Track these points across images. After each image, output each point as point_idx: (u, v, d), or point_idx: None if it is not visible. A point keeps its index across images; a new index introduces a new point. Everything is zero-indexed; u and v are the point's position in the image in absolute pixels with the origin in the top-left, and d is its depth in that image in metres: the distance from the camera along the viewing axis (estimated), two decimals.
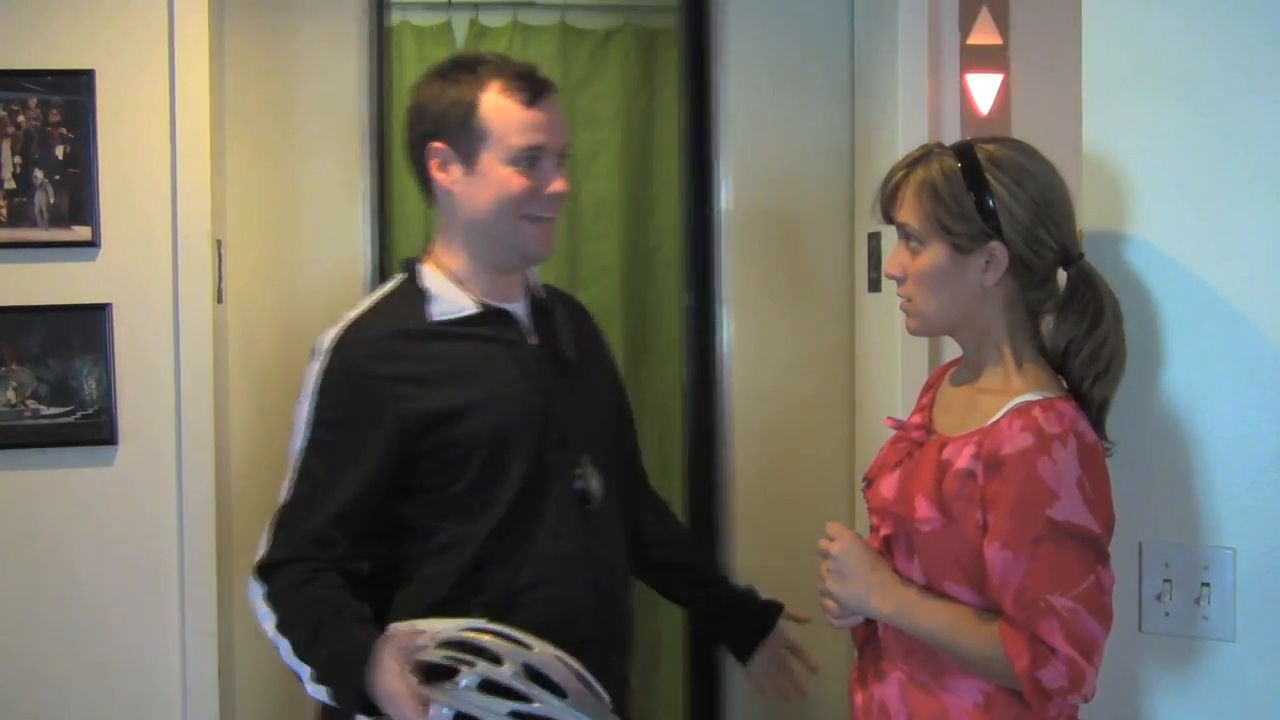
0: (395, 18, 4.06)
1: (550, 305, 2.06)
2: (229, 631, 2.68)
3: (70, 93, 2.50)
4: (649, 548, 2.20)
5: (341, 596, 1.84)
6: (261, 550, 1.88)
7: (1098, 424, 1.62)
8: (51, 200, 2.51)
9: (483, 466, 1.88)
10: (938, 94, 2.72)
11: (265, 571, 1.86)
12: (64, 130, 2.50)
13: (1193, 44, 1.69)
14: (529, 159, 1.89)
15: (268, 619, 1.87)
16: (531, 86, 1.91)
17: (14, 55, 2.51)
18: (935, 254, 1.64)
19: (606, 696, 1.74)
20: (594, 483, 1.97)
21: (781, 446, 3.02)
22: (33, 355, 2.51)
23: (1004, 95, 3.03)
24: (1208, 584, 1.67)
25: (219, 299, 2.64)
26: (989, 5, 2.97)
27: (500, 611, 1.81)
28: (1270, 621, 1.64)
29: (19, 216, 2.50)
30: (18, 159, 2.50)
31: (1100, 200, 1.75)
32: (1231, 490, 1.66)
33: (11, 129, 2.49)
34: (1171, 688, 1.71)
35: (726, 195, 3.02)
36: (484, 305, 1.95)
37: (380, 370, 1.87)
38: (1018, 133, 2.89)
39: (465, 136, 1.89)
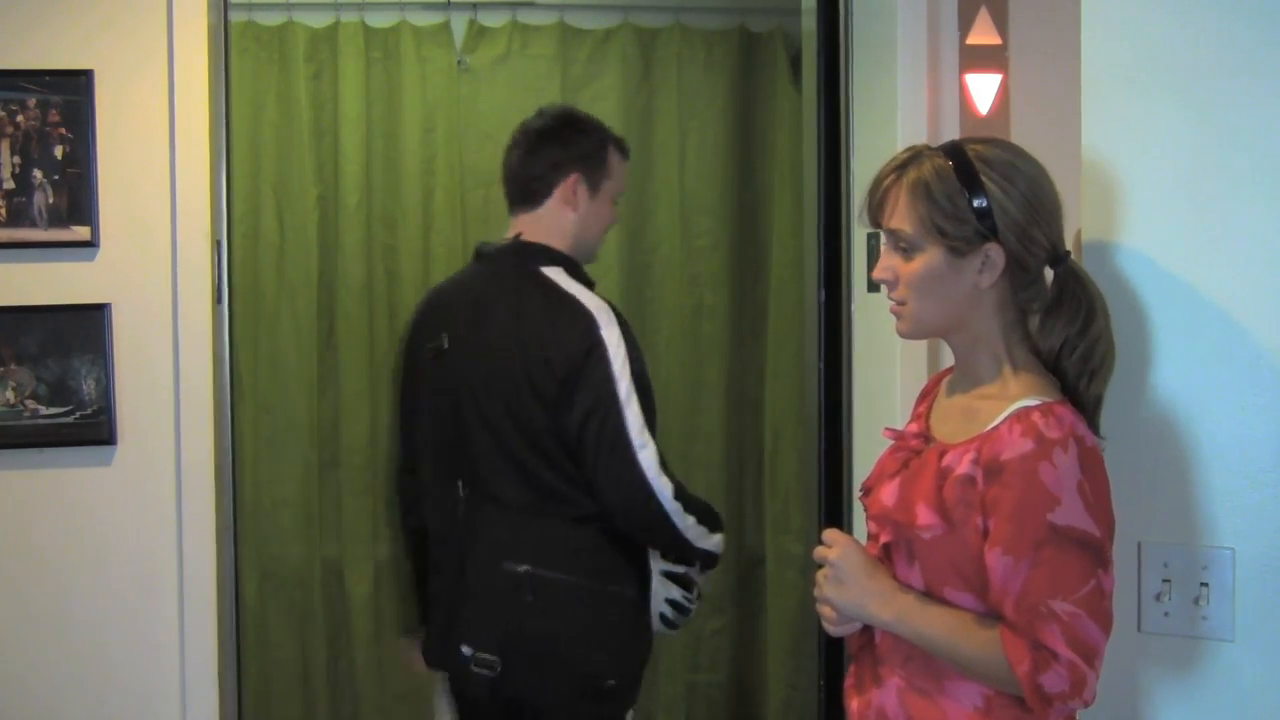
0: (394, 18, 4.07)
1: None
2: (228, 630, 2.68)
3: (70, 93, 2.50)
4: None
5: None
6: (667, 472, 2.48)
7: (1092, 421, 1.61)
8: (51, 200, 2.51)
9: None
10: (937, 94, 2.72)
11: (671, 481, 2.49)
12: (63, 130, 2.51)
13: (1192, 44, 1.69)
14: (617, 199, 2.66)
15: (685, 515, 2.50)
16: (625, 149, 2.67)
17: (13, 55, 2.51)
18: (930, 258, 1.62)
19: None
20: None
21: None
22: (32, 355, 2.51)
23: (1003, 95, 3.03)
24: (1207, 584, 1.67)
25: (218, 299, 2.64)
26: (988, 5, 2.97)
27: None
28: (1269, 621, 1.65)
29: (18, 216, 2.50)
30: (17, 159, 2.50)
31: (1099, 200, 1.76)
32: (1230, 490, 1.66)
33: (11, 129, 2.49)
34: (1170, 688, 1.71)
35: (860, 192, 2.96)
36: None
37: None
38: (1017, 133, 2.89)
39: (598, 172, 2.60)
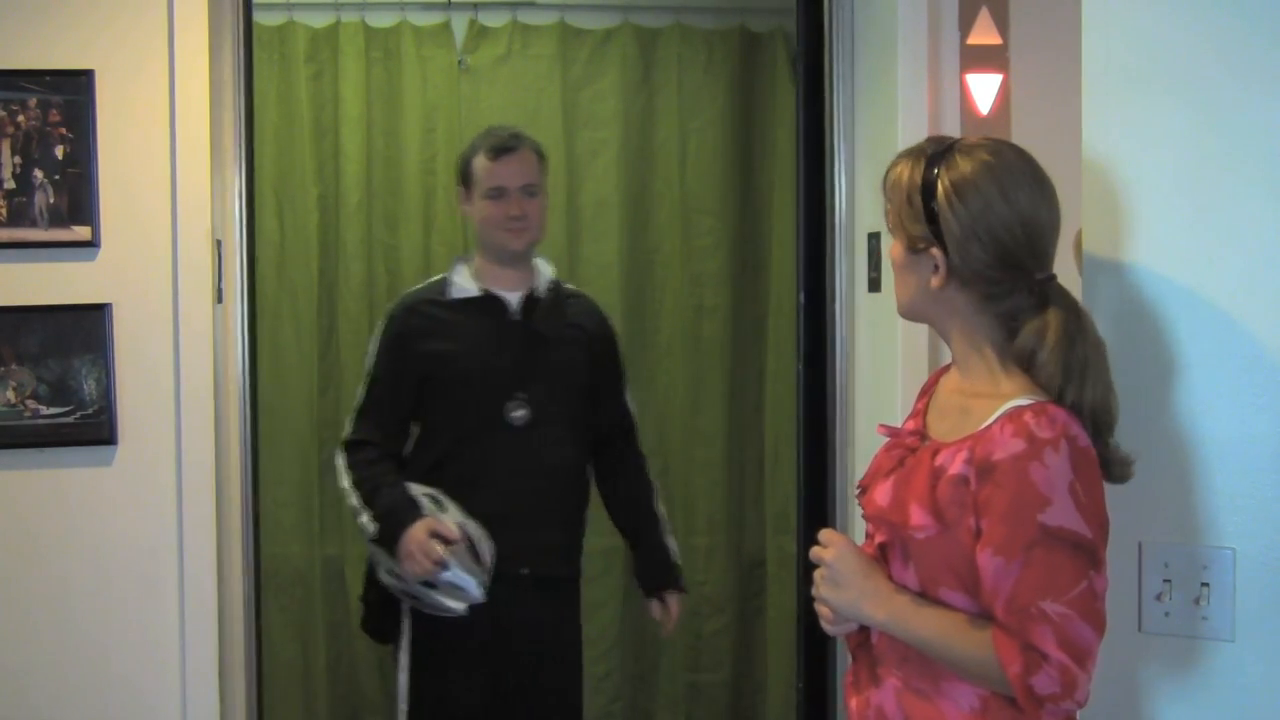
0: (394, 18, 4.07)
1: (542, 297, 3.06)
2: (228, 630, 2.68)
3: (70, 93, 2.50)
4: (611, 504, 3.24)
5: (396, 476, 2.96)
6: (346, 431, 3.03)
7: (1096, 434, 1.60)
8: (51, 200, 2.51)
9: (455, 394, 2.96)
10: (937, 94, 2.72)
11: (348, 447, 3.00)
12: (64, 130, 2.51)
13: (1193, 44, 1.69)
14: (496, 193, 3.01)
15: (345, 478, 2.97)
16: (497, 148, 3.02)
17: (14, 55, 2.51)
18: (897, 248, 1.71)
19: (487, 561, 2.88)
20: (521, 413, 2.96)
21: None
22: (32, 355, 2.51)
23: (1004, 95, 3.04)
24: (1207, 584, 1.67)
25: (219, 299, 2.64)
26: (989, 5, 2.97)
27: (455, 492, 2.92)
28: (1270, 621, 1.65)
29: (19, 216, 2.50)
30: (17, 159, 2.50)
31: (1099, 200, 1.76)
32: (1231, 490, 1.66)
33: (11, 129, 2.49)
34: (1171, 688, 1.71)
35: (843, 194, 2.94)
36: (484, 290, 3.02)
37: (410, 325, 3.01)
38: (1017, 133, 2.89)
39: (466, 183, 3.06)
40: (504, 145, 3.04)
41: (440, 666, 2.96)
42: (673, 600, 3.19)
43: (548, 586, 3.04)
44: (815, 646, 3.01)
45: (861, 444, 2.93)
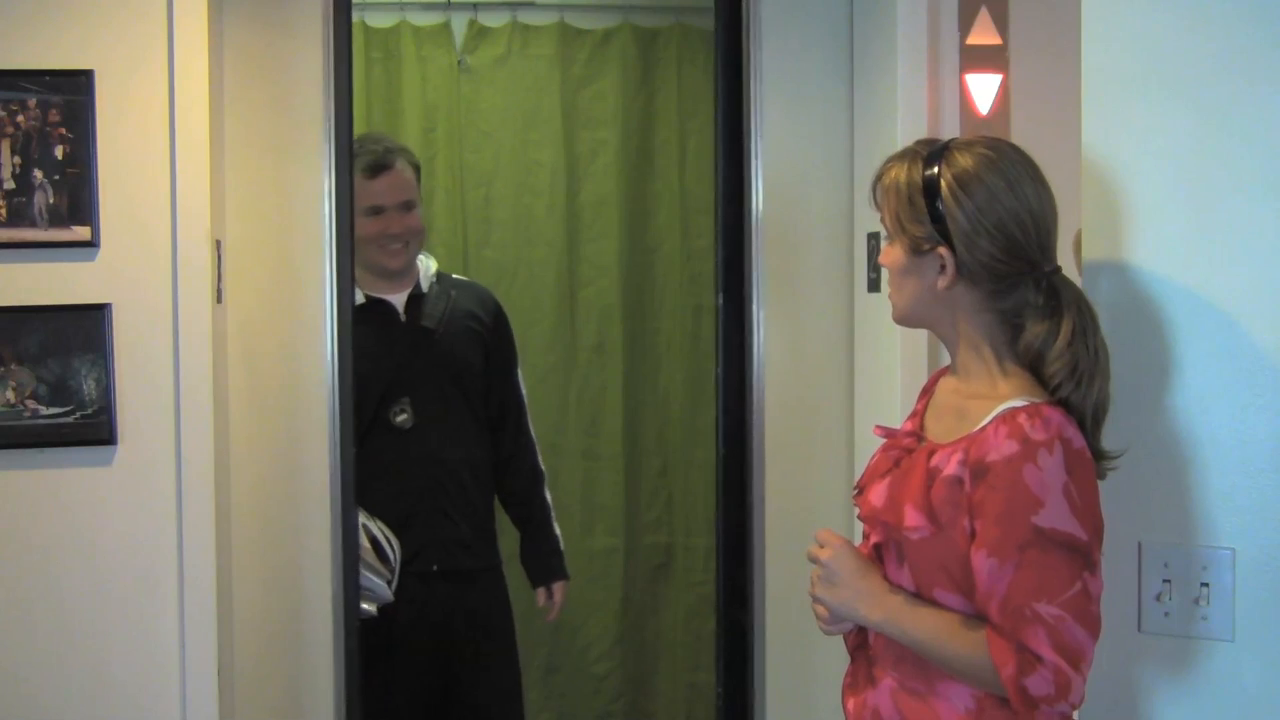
0: (394, 18, 4.07)
1: (426, 293, 3.14)
2: (228, 632, 2.68)
3: (70, 93, 2.50)
4: (500, 490, 3.29)
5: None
6: None
7: (1092, 434, 1.61)
8: (51, 200, 2.50)
9: (363, 397, 2.92)
10: (937, 94, 2.72)
11: None
12: (63, 130, 2.50)
13: (1193, 44, 1.69)
14: (373, 211, 3.04)
15: None
16: (372, 165, 3.03)
17: (13, 55, 2.51)
18: (897, 251, 1.69)
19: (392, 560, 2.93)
20: (403, 416, 3.07)
21: (809, 450, 2.99)
22: (32, 355, 2.51)
23: (1003, 95, 3.04)
24: (1207, 584, 1.67)
25: (219, 299, 2.64)
26: (988, 5, 2.98)
27: (363, 494, 2.89)
28: (1270, 621, 1.65)
29: (18, 216, 2.50)
30: (17, 159, 2.49)
31: (1099, 200, 1.76)
32: (1230, 490, 1.66)
33: (11, 129, 2.49)
34: (1170, 688, 1.71)
35: (759, 198, 2.95)
36: (368, 298, 3.09)
37: None
38: (1017, 133, 2.89)
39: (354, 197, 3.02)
40: (380, 162, 3.05)
41: (371, 670, 2.98)
42: (558, 589, 3.28)
43: (462, 580, 3.11)
44: (735, 651, 3.01)
45: (862, 445, 2.93)
